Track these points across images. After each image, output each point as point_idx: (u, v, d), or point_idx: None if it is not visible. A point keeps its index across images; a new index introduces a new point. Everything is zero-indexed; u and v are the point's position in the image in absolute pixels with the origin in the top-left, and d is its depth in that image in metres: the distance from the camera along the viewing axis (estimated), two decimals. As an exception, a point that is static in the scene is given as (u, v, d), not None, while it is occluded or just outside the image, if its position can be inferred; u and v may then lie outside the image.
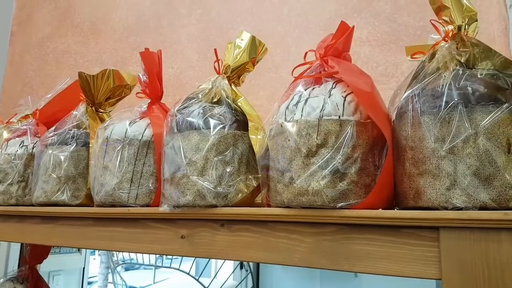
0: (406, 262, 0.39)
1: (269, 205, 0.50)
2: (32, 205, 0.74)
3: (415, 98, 0.41)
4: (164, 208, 0.54)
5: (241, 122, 0.54)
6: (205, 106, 0.56)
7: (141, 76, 0.71)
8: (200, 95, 0.59)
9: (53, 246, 1.49)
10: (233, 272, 2.34)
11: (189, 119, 0.54)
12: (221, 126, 0.53)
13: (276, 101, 0.52)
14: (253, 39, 0.58)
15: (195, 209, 0.53)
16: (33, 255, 1.09)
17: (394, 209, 0.42)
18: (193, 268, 2.05)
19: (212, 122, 0.53)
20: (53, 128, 0.73)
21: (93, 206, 0.67)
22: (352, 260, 0.43)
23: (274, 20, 1.11)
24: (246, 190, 0.52)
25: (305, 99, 0.46)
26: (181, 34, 1.24)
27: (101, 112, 0.76)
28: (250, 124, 0.53)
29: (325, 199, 0.41)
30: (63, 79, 1.44)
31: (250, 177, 0.52)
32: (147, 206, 0.60)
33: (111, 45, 1.35)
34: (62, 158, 0.68)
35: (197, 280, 1.75)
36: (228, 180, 0.51)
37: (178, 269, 1.81)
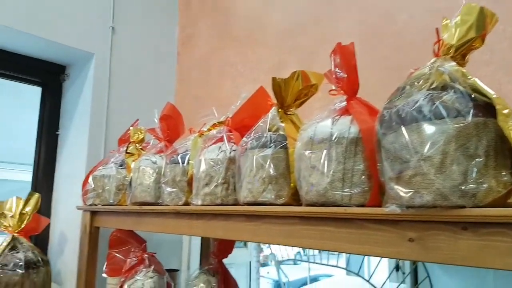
0: None
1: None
2: (235, 204, 0.80)
3: None
4: (392, 209, 0.50)
5: (482, 107, 0.46)
6: (430, 93, 0.50)
7: (330, 74, 0.70)
8: (415, 83, 0.53)
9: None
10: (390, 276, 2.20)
11: (415, 109, 0.49)
12: (457, 114, 0.46)
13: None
14: (481, 11, 0.50)
15: (431, 210, 0.47)
16: (220, 250, 1.20)
17: None
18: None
19: (445, 110, 0.47)
20: (251, 132, 0.77)
21: (296, 205, 0.68)
22: None
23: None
24: (499, 188, 0.44)
25: None
26: (340, 28, 1.20)
27: (290, 114, 0.78)
28: (497, 108, 0.45)
29: None
30: (227, 89, 1.56)
31: (504, 172, 0.44)
32: (362, 206, 0.57)
33: (269, 51, 1.40)
34: (264, 160, 0.71)
35: (368, 281, 1.68)
36: (476, 178, 0.44)
37: (341, 267, 1.77)
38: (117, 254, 1.28)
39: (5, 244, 1.22)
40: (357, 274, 1.75)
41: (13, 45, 1.51)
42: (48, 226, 1.57)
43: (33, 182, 1.65)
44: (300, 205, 0.66)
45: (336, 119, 0.63)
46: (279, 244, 0.72)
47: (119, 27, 1.65)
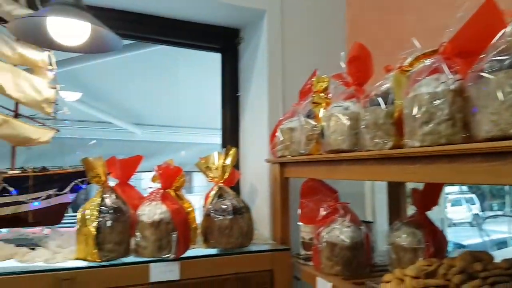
0: None
1: None
2: (465, 142, 0.68)
3: None
4: None
5: None
6: None
7: None
8: None
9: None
10: None
11: None
12: None
13: None
14: None
15: None
16: (424, 201, 1.09)
17: None
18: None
19: None
20: (487, 54, 0.62)
21: None
22: None
23: None
24: None
25: None
26: None
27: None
28: None
29: None
30: (408, 23, 1.37)
31: None
32: None
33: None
34: (518, 83, 0.56)
35: None
36: None
37: None
38: (309, 203, 1.31)
39: (213, 192, 1.39)
40: None
41: (190, 14, 1.63)
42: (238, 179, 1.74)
43: (223, 141, 1.84)
44: None
45: None
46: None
47: (285, -21, 1.62)
